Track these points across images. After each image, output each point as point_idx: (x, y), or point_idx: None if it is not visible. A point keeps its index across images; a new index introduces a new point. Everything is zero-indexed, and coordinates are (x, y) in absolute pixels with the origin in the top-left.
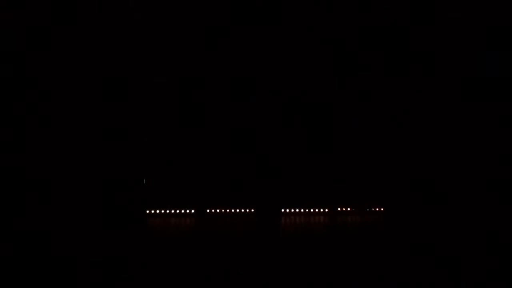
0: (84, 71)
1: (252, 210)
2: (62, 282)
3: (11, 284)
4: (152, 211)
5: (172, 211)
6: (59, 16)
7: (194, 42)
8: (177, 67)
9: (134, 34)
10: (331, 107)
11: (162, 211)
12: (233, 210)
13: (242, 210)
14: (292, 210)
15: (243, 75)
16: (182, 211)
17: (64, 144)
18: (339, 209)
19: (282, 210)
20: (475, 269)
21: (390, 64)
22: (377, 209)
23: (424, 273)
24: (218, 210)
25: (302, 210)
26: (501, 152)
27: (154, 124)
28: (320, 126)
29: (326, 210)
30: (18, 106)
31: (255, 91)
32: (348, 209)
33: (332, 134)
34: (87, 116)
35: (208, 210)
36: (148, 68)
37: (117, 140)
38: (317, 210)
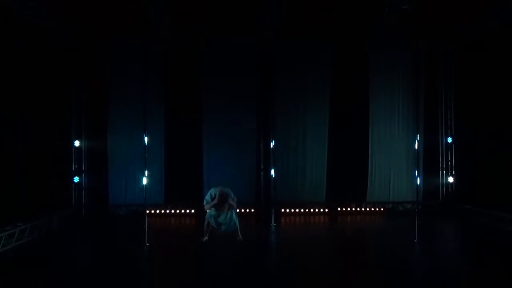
0: None
1: (252, 210)
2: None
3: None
4: (152, 211)
5: (172, 211)
6: None
7: None
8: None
9: None
10: None
11: (162, 211)
12: None
13: (243, 210)
14: (292, 210)
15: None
16: (182, 211)
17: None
18: (339, 209)
19: (282, 210)
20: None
21: None
22: (377, 209)
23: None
24: None
25: (302, 210)
26: None
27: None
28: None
29: (326, 210)
30: None
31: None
32: (348, 209)
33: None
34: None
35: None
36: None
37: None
38: (317, 210)
